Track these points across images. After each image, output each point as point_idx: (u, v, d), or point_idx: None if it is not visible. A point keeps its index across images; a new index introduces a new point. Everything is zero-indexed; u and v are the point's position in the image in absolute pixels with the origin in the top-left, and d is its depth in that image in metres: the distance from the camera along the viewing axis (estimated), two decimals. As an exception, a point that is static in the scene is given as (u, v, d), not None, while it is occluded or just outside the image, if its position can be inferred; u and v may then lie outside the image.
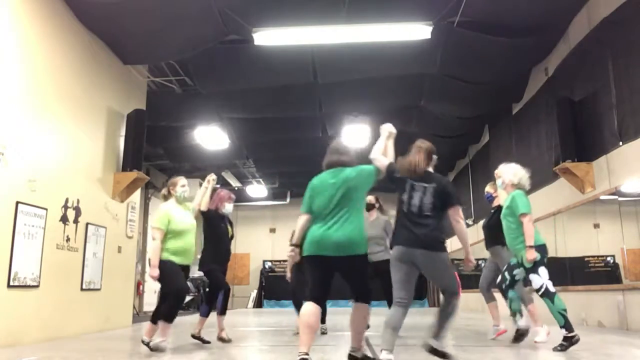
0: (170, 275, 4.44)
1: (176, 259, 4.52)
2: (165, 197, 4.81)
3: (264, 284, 18.07)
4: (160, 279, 4.43)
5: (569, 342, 4.23)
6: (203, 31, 7.26)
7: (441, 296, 3.52)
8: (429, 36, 6.80)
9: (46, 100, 6.07)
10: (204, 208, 5.16)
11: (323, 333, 6.13)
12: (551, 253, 8.45)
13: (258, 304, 17.77)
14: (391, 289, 3.52)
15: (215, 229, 5.32)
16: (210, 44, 7.61)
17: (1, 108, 5.27)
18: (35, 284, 5.65)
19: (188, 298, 14.48)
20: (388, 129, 3.94)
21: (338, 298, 16.79)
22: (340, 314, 9.42)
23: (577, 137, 7.40)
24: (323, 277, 3.46)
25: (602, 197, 6.92)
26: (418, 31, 6.73)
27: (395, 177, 3.62)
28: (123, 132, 7.98)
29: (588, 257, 7.40)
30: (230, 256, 5.47)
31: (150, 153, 12.47)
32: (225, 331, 5.08)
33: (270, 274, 17.98)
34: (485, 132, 12.04)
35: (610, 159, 6.77)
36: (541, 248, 4.47)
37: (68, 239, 6.43)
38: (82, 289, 6.76)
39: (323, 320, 6.23)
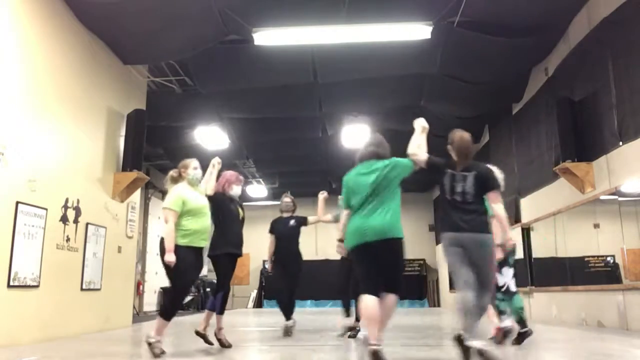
0: (180, 269, 4.24)
1: (191, 241, 4.36)
2: (175, 180, 4.63)
3: (264, 284, 18.06)
4: (169, 268, 4.25)
5: (523, 337, 4.68)
6: (203, 31, 7.26)
7: (455, 295, 3.56)
8: (429, 36, 6.81)
9: (46, 100, 6.07)
10: (210, 192, 4.95)
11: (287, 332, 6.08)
12: (551, 253, 8.54)
13: (258, 304, 17.78)
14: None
15: (224, 212, 5.07)
16: (210, 44, 7.62)
17: (1, 108, 5.27)
18: (35, 284, 5.65)
19: (188, 298, 14.44)
20: (422, 124, 3.99)
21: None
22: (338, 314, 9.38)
23: (577, 137, 7.41)
24: (371, 266, 3.52)
25: (602, 197, 6.92)
26: (418, 31, 6.74)
27: (435, 169, 3.77)
28: (123, 132, 7.98)
29: (588, 257, 7.40)
30: (242, 240, 5.19)
31: (150, 153, 12.46)
32: (223, 331, 4.93)
33: (270, 274, 17.96)
34: (485, 132, 12.04)
35: (610, 159, 6.77)
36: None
37: (68, 239, 6.43)
38: (82, 289, 6.76)
39: (288, 317, 6.14)
